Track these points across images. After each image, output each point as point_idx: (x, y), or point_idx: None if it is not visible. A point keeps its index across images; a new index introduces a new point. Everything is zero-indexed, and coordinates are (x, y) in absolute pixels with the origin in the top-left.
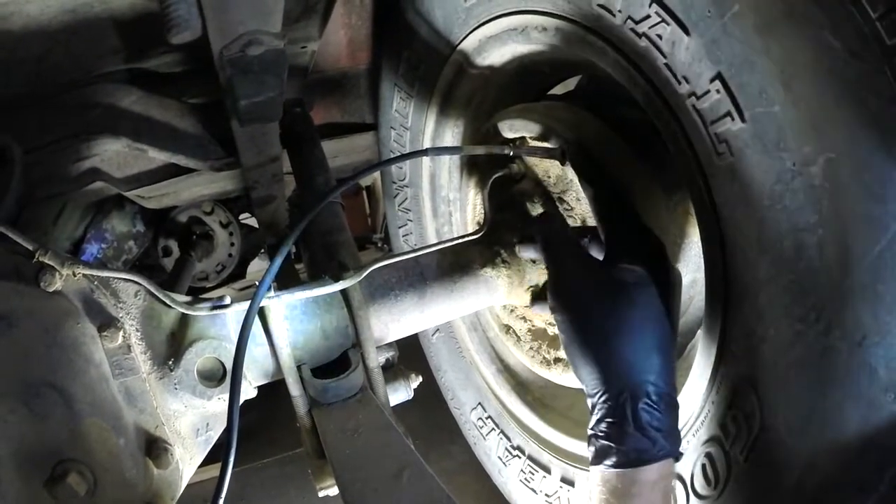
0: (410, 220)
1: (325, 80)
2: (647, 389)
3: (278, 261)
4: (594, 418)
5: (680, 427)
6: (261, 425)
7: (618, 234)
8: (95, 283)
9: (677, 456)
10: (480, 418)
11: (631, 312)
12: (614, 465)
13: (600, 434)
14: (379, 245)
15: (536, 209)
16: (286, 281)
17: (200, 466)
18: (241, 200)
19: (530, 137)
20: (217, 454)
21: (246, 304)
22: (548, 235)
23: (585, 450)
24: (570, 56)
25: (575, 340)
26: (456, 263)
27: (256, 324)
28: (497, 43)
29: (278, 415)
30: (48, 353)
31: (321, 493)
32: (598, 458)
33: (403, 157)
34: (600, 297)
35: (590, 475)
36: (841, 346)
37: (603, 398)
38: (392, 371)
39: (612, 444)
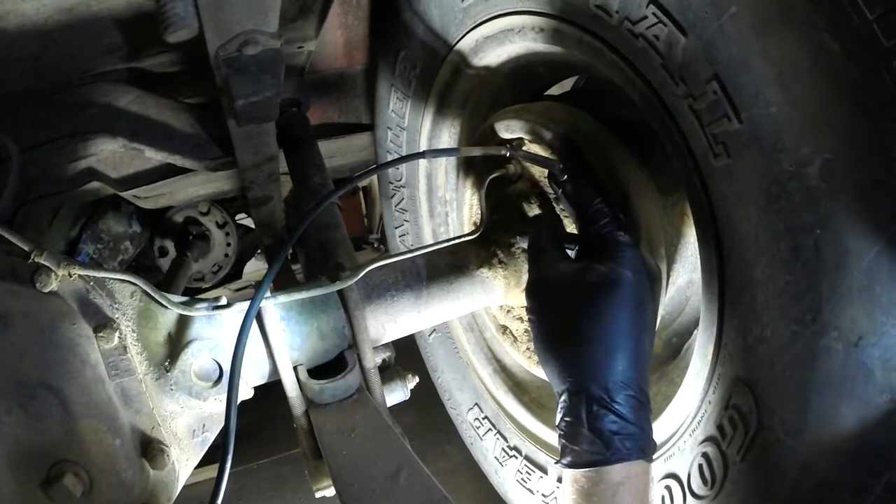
0: (407, 221)
1: (322, 80)
2: (603, 392)
3: (277, 265)
4: (557, 416)
5: (679, 427)
6: (257, 426)
7: (590, 231)
8: (91, 283)
9: (644, 458)
10: (477, 419)
11: (593, 314)
12: (569, 465)
13: (560, 433)
14: (375, 245)
15: (533, 209)
16: (282, 281)
17: (197, 467)
18: (237, 201)
19: (527, 139)
20: (213, 455)
21: (242, 305)
22: (535, 235)
23: None
24: (567, 57)
25: (539, 340)
26: (452, 264)
27: (253, 324)
28: (494, 43)
29: (275, 415)
30: (43, 353)
31: (318, 494)
32: (559, 456)
33: (401, 159)
34: (563, 299)
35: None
36: (837, 346)
37: (563, 398)
38: (388, 371)
39: (567, 444)
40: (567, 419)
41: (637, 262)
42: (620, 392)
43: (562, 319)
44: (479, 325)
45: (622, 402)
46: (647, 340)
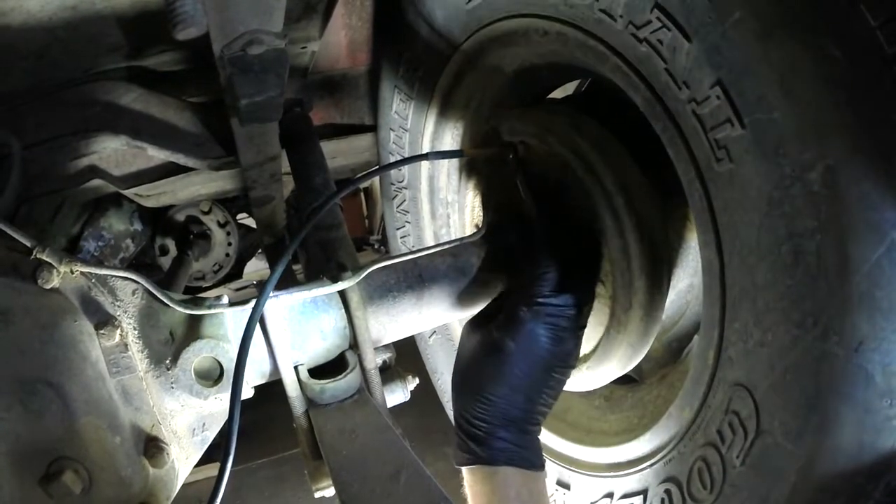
0: (408, 222)
1: (325, 80)
2: (465, 422)
3: (281, 267)
4: None
5: (679, 430)
6: (257, 426)
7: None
8: (93, 280)
9: (511, 465)
10: None
11: (475, 365)
12: (454, 458)
13: None
14: (376, 247)
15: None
16: (284, 281)
17: (196, 466)
18: (239, 200)
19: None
20: (213, 454)
21: (244, 305)
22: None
23: (581, 453)
24: (571, 60)
25: (454, 364)
26: (454, 265)
27: None
28: (498, 46)
29: (274, 415)
30: (44, 350)
31: (317, 494)
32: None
33: (404, 161)
34: (470, 343)
35: None
36: (838, 351)
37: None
38: (389, 373)
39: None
40: (455, 431)
41: (529, 338)
42: (470, 419)
43: (462, 355)
44: None
45: (477, 430)
46: (518, 398)
